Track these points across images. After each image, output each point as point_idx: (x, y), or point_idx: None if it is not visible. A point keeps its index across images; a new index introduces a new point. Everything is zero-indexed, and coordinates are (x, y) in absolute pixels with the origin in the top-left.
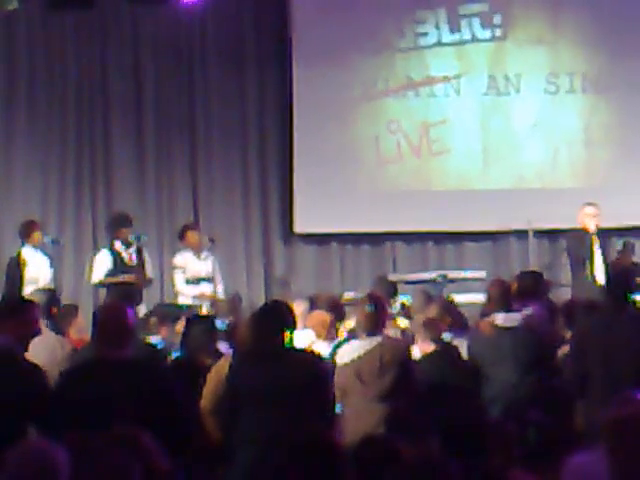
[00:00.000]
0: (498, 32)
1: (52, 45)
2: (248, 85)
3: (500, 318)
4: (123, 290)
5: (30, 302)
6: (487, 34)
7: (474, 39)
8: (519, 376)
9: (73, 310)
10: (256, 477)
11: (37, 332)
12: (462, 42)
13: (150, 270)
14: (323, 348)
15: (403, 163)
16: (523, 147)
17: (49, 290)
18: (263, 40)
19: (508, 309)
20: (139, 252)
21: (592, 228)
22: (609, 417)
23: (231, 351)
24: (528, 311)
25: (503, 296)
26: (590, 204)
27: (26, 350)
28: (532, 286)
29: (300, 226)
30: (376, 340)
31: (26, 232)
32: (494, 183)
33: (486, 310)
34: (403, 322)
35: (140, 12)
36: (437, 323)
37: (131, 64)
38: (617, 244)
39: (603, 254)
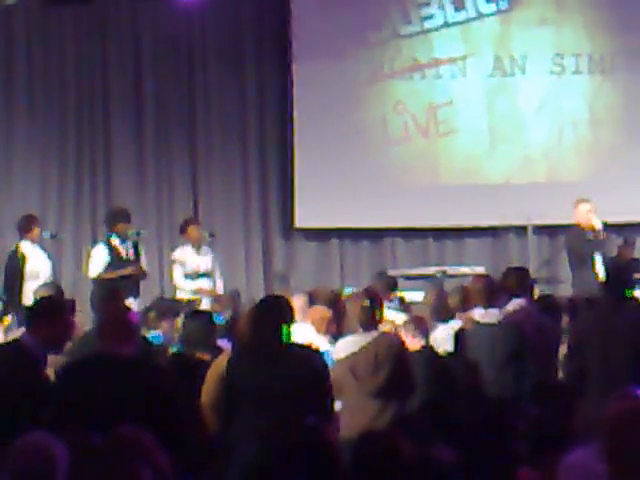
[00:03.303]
0: (503, 5)
1: (51, 41)
2: (248, 79)
3: (478, 314)
4: (117, 283)
5: (64, 304)
6: (492, 8)
7: (479, 15)
8: (495, 372)
9: (70, 305)
10: (254, 473)
11: (69, 336)
12: (468, 20)
13: (145, 264)
14: (322, 343)
15: (411, 144)
16: (529, 128)
17: (54, 285)
18: (263, 34)
19: (488, 305)
20: (135, 246)
21: (599, 225)
22: (606, 415)
23: (230, 346)
24: (512, 307)
25: (483, 292)
26: (585, 200)
27: (57, 353)
28: (517, 282)
29: (300, 221)
30: (371, 335)
31: (25, 227)
32: (500, 163)
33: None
34: (400, 317)
35: (140, 8)
36: (425, 319)
37: (131, 60)
38: (617, 240)
39: (603, 250)
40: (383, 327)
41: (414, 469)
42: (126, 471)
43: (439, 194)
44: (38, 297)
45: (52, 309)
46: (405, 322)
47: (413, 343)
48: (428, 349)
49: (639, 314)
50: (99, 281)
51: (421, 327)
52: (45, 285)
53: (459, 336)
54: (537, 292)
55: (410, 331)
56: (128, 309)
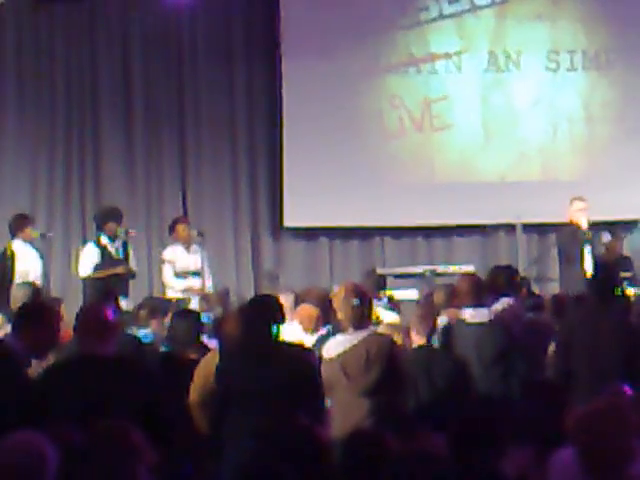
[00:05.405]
0: None
1: (41, 40)
2: (237, 78)
3: (468, 314)
4: (107, 283)
5: (51, 311)
6: (487, 0)
7: (474, 7)
8: (483, 371)
9: (57, 304)
10: (246, 472)
11: (54, 342)
12: (462, 12)
13: (134, 264)
14: (310, 342)
15: (405, 138)
16: (523, 124)
17: (32, 284)
18: (252, 30)
19: (477, 304)
20: (124, 246)
21: (584, 224)
22: (575, 415)
23: (218, 345)
24: (501, 305)
25: (471, 291)
26: (579, 198)
27: (42, 358)
28: (505, 281)
29: (289, 220)
30: (362, 334)
31: (18, 226)
32: (495, 160)
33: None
34: (390, 316)
35: (129, 7)
36: (432, 317)
37: (120, 59)
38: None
39: (592, 249)
40: (381, 328)
41: (404, 467)
42: (124, 470)
43: (432, 192)
44: (17, 296)
45: (38, 315)
46: (416, 318)
47: (418, 339)
48: (430, 346)
49: (626, 313)
50: (92, 281)
51: (427, 324)
52: (23, 284)
53: (446, 332)
54: (528, 290)
55: (417, 327)
56: (105, 309)
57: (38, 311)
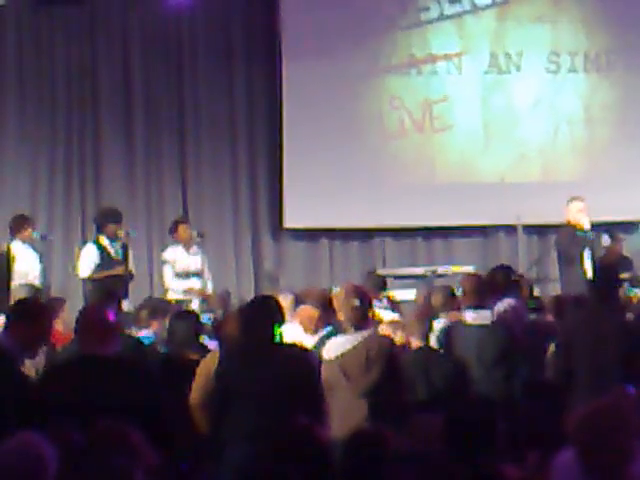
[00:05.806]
0: None
1: (41, 40)
2: (237, 79)
3: (470, 316)
4: (108, 284)
5: (42, 308)
6: (487, 0)
7: (475, 8)
8: (484, 372)
9: (59, 304)
10: (245, 473)
11: (46, 340)
12: (463, 13)
13: (132, 265)
14: (311, 343)
15: (406, 139)
16: (524, 125)
17: (33, 286)
18: (252, 32)
19: (479, 305)
20: (124, 247)
21: (587, 224)
22: (575, 415)
23: (218, 346)
24: (503, 306)
25: (474, 292)
26: (577, 198)
27: (32, 356)
28: (505, 281)
29: (289, 221)
30: (362, 335)
31: (17, 227)
32: (495, 161)
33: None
34: (389, 316)
35: (130, 9)
36: (426, 319)
37: (120, 60)
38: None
39: (592, 250)
40: (383, 326)
41: (405, 467)
42: (123, 470)
43: (433, 193)
44: (15, 297)
45: (29, 312)
46: (412, 320)
47: (415, 342)
48: (429, 348)
49: (625, 314)
50: (94, 282)
51: (423, 327)
52: (24, 285)
53: (447, 334)
54: (530, 291)
55: (413, 330)
56: (106, 310)
57: (28, 308)
